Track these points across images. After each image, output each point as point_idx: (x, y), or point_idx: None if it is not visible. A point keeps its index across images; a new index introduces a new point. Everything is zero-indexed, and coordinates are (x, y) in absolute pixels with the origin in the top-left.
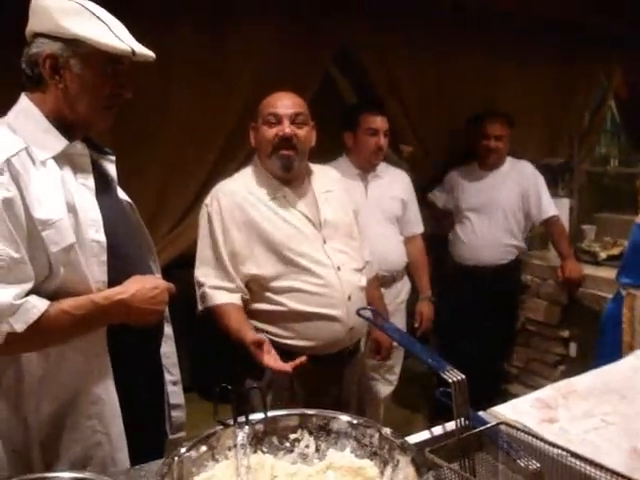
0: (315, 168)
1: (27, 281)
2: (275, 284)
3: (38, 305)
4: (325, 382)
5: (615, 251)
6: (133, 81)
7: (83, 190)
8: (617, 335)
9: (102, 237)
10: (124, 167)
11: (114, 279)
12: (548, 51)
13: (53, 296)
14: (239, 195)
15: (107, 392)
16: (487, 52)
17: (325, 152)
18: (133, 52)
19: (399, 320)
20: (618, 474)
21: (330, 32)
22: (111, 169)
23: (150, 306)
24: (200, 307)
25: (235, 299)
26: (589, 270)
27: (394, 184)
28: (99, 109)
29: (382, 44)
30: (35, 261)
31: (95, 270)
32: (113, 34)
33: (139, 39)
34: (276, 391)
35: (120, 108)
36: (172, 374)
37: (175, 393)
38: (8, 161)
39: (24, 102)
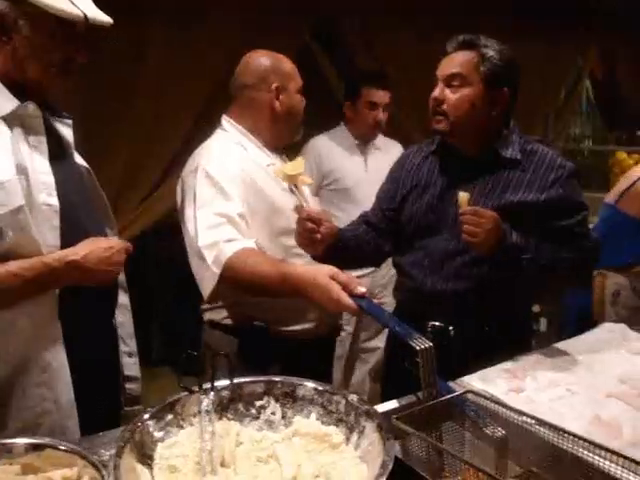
0: None
1: None
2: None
3: None
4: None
5: None
6: (88, 45)
7: (35, 153)
8: (585, 313)
9: (54, 201)
10: (94, 134)
11: (67, 244)
12: (525, 30)
13: (2, 260)
14: (241, 162)
15: (57, 359)
16: (468, 27)
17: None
18: (86, 18)
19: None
20: (580, 438)
21: (312, 13)
22: (67, 133)
23: (105, 267)
24: (217, 270)
25: (252, 244)
26: None
27: (393, 156)
28: (50, 73)
29: (367, 27)
30: None
31: (47, 234)
32: None
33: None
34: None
35: (90, 73)
36: (127, 345)
37: (130, 365)
38: None
39: None
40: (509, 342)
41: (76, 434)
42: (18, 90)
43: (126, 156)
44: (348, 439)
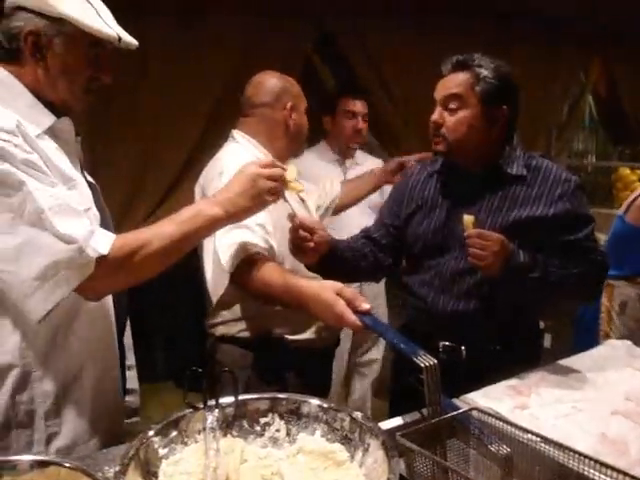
0: None
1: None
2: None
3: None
4: (316, 376)
5: None
6: (113, 66)
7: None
8: (595, 324)
9: (96, 212)
10: (97, 150)
11: None
12: (528, 44)
13: None
14: None
15: (113, 363)
16: (469, 43)
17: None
18: (119, 38)
19: (381, 302)
20: (586, 456)
21: (310, 16)
22: (78, 149)
23: (256, 202)
24: (228, 272)
25: (265, 251)
26: None
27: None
28: (78, 92)
29: (362, 29)
30: None
31: None
32: (101, 18)
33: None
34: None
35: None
36: (127, 358)
37: (130, 377)
38: (18, 125)
39: (2, 74)
40: (518, 360)
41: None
42: (48, 107)
43: (129, 173)
44: (353, 456)
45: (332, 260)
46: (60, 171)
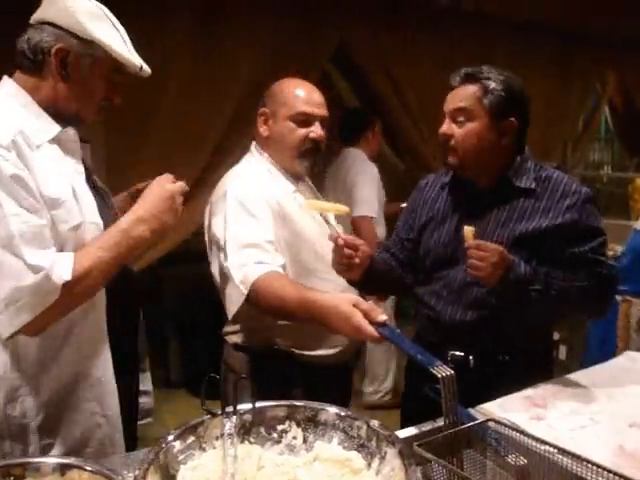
0: None
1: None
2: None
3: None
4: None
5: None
6: (124, 89)
7: (76, 175)
8: (607, 340)
9: (99, 219)
10: (116, 151)
11: None
12: (544, 56)
13: None
14: (268, 188)
15: (106, 374)
16: (485, 55)
17: None
18: (141, 67)
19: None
20: (604, 468)
21: (328, 29)
22: (86, 156)
23: (167, 216)
24: (244, 290)
25: (279, 268)
26: None
27: None
28: (91, 110)
29: (380, 45)
30: None
31: None
32: (126, 46)
33: (136, 25)
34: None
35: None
36: (141, 361)
37: (143, 380)
38: (14, 140)
39: (11, 86)
40: (529, 370)
41: (122, 447)
42: (55, 117)
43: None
44: (369, 465)
45: (372, 274)
46: (51, 187)
